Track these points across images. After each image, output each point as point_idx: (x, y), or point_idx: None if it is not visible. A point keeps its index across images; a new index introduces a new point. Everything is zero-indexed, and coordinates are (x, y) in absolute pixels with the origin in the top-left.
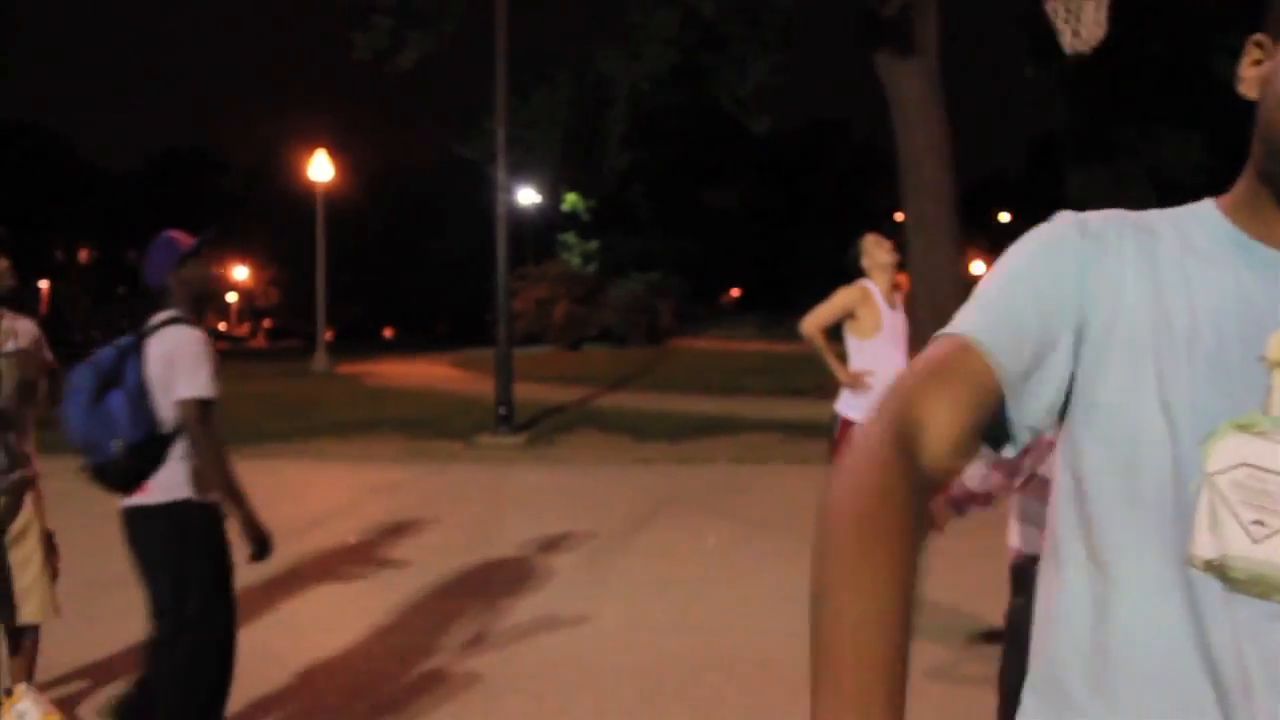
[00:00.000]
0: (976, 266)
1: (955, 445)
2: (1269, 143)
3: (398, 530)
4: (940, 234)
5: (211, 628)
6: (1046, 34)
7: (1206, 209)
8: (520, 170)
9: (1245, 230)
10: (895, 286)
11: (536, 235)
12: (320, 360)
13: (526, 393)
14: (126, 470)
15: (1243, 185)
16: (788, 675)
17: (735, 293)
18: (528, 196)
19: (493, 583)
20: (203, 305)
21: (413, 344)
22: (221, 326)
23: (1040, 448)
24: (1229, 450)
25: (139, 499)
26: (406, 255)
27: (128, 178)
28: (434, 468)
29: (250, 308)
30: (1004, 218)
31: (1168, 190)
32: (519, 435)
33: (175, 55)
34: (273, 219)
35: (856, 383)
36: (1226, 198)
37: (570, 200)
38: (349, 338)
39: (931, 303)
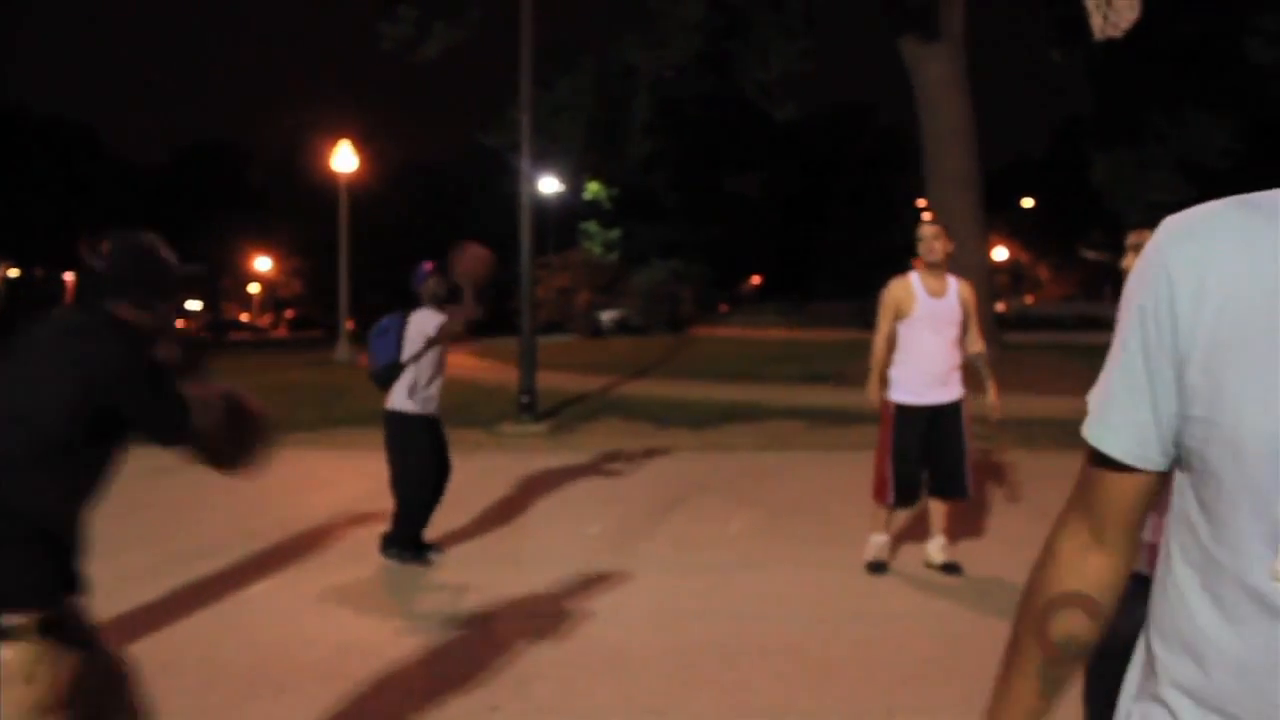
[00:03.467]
0: (999, 252)
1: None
2: None
3: None
4: (964, 219)
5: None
6: (1073, 17)
7: None
8: (544, 159)
9: None
10: (941, 275)
11: (558, 224)
12: (343, 350)
13: (548, 381)
14: None
15: None
16: (815, 661)
17: (756, 280)
18: (550, 185)
19: (519, 570)
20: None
21: None
22: (244, 317)
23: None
24: None
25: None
26: (429, 245)
27: (154, 171)
28: (458, 456)
29: (273, 298)
30: (1027, 203)
31: (1195, 175)
32: (542, 424)
33: (201, 49)
34: (297, 210)
35: (869, 405)
36: None
37: (592, 189)
38: (371, 328)
39: None
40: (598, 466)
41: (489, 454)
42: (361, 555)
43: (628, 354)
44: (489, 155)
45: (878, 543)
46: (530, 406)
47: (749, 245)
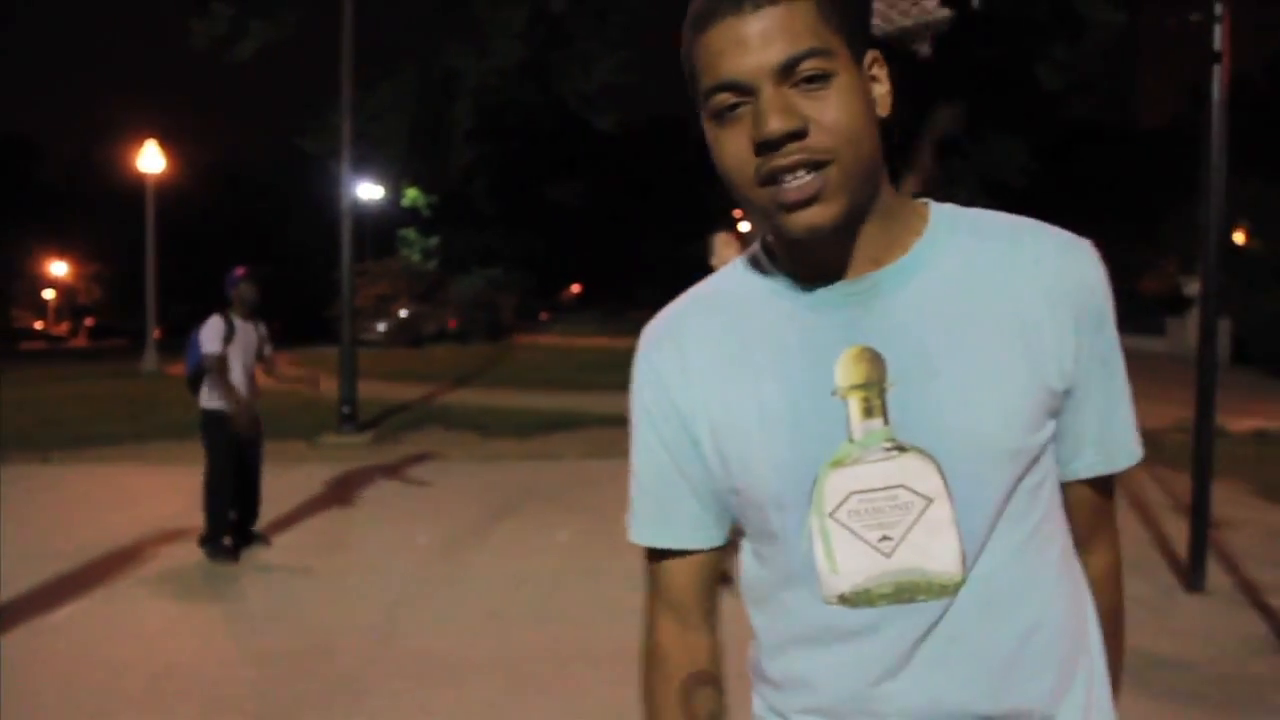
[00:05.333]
0: None
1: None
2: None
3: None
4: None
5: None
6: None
7: (755, 258)
8: (364, 164)
9: (789, 269)
10: None
11: (377, 231)
12: (150, 359)
13: (369, 391)
14: None
15: None
16: None
17: (577, 288)
18: (370, 192)
19: (345, 584)
20: None
21: None
22: (38, 325)
23: None
24: (835, 487)
25: None
26: (242, 251)
27: None
28: (276, 469)
29: (71, 305)
30: None
31: (995, 190)
32: (364, 434)
33: None
34: (97, 212)
35: None
36: (764, 245)
37: (411, 195)
38: (180, 336)
39: None
40: (423, 477)
41: (311, 466)
42: (176, 575)
43: (449, 363)
44: (307, 159)
45: None
46: (352, 417)
47: (570, 254)
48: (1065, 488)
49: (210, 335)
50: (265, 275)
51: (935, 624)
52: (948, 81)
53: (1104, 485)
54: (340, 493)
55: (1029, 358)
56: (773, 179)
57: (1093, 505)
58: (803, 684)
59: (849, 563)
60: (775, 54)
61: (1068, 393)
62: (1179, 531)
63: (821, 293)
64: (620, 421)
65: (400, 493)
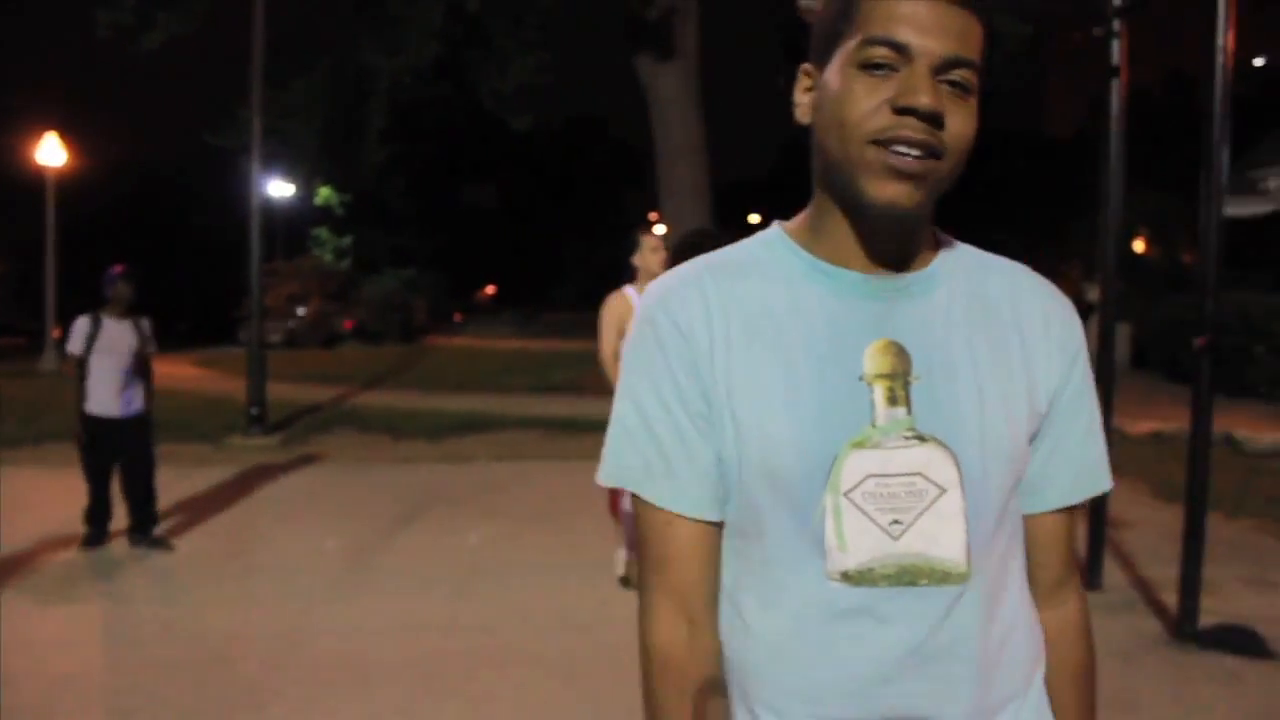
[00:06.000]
0: None
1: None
2: (824, 161)
3: None
4: None
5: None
6: (800, 42)
7: (775, 238)
8: (275, 162)
9: (816, 253)
10: None
11: (288, 230)
12: (49, 359)
13: (279, 392)
14: None
15: (811, 209)
16: (558, 668)
17: (492, 290)
18: (281, 189)
19: (253, 588)
20: None
21: None
22: None
23: None
24: (854, 468)
25: None
26: (147, 248)
27: None
28: (181, 472)
29: None
30: (754, 219)
31: None
32: (273, 436)
33: None
34: None
35: None
36: (795, 222)
37: (324, 194)
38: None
39: None
40: (333, 479)
41: (217, 469)
42: (75, 581)
43: (361, 364)
44: (218, 156)
45: (623, 557)
46: (260, 418)
47: (485, 255)
48: (1034, 522)
49: (73, 336)
50: (139, 275)
51: (943, 619)
52: None
53: (1068, 521)
54: (247, 496)
55: (1026, 378)
56: (892, 144)
57: (1061, 541)
58: (800, 671)
59: (857, 541)
60: (950, 46)
61: (1047, 417)
62: (1078, 531)
63: (852, 283)
64: (533, 424)
65: (309, 496)
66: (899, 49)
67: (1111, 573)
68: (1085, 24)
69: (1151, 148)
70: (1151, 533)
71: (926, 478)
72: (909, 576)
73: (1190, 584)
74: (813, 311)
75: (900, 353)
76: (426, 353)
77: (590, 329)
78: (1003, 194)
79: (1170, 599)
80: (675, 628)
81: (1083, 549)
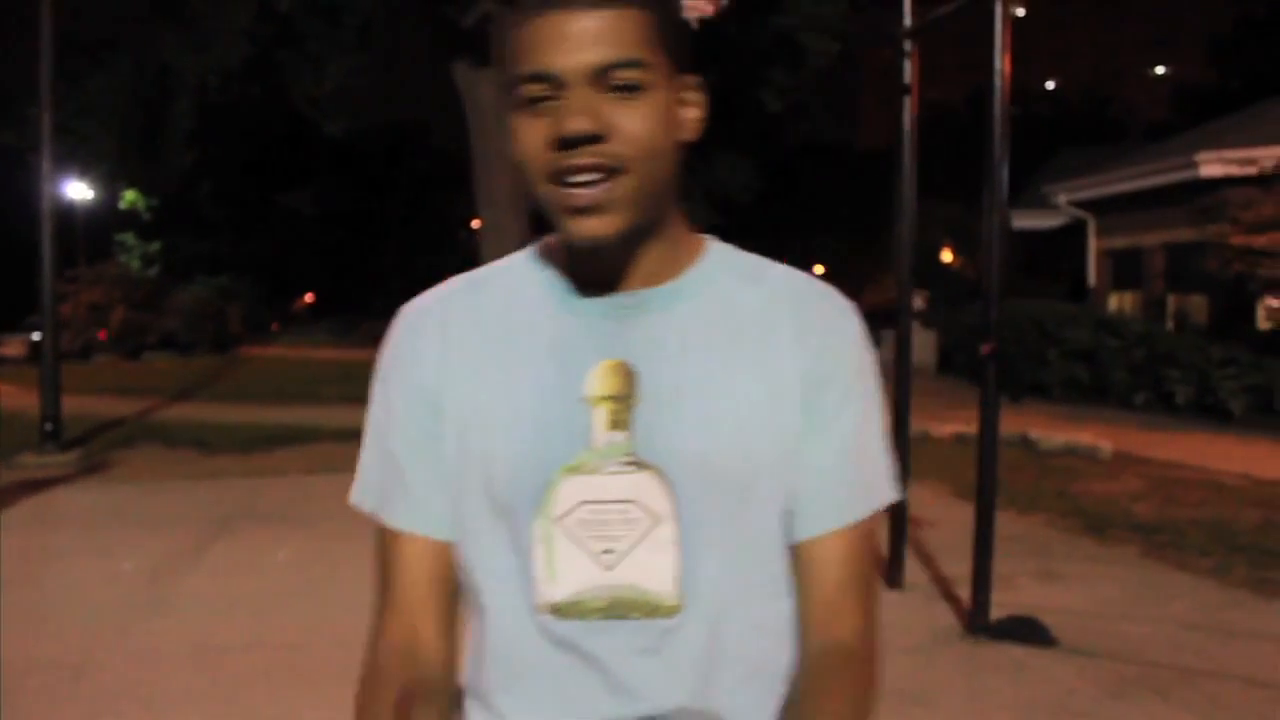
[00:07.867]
0: None
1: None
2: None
3: None
4: (511, 242)
5: None
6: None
7: (528, 255)
8: (71, 162)
9: (561, 271)
10: None
11: (91, 234)
12: None
13: (78, 407)
14: None
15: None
16: None
17: (309, 298)
18: (79, 191)
19: (35, 618)
20: None
21: None
22: None
23: None
24: (567, 494)
25: None
26: None
27: None
28: None
29: None
30: None
31: (724, 206)
32: (69, 453)
33: None
34: None
35: None
36: (546, 243)
37: (129, 198)
38: None
39: None
40: (134, 497)
41: (7, 490)
42: None
43: (170, 375)
44: (8, 152)
45: None
46: (55, 434)
47: (301, 262)
48: (801, 548)
49: None
50: None
51: (652, 654)
52: None
53: (842, 544)
54: (39, 517)
55: (772, 394)
56: (564, 178)
57: (831, 565)
58: (511, 698)
59: (568, 571)
60: (594, 56)
61: (804, 435)
62: (880, 530)
63: (589, 301)
64: (348, 435)
65: (107, 515)
66: (546, 79)
67: (913, 570)
68: (881, 44)
69: (957, 162)
70: (951, 531)
71: (641, 505)
72: (620, 609)
73: (982, 579)
74: (543, 330)
75: (627, 374)
76: (240, 363)
77: None
78: (816, 203)
79: (966, 594)
80: (392, 637)
81: (885, 548)
